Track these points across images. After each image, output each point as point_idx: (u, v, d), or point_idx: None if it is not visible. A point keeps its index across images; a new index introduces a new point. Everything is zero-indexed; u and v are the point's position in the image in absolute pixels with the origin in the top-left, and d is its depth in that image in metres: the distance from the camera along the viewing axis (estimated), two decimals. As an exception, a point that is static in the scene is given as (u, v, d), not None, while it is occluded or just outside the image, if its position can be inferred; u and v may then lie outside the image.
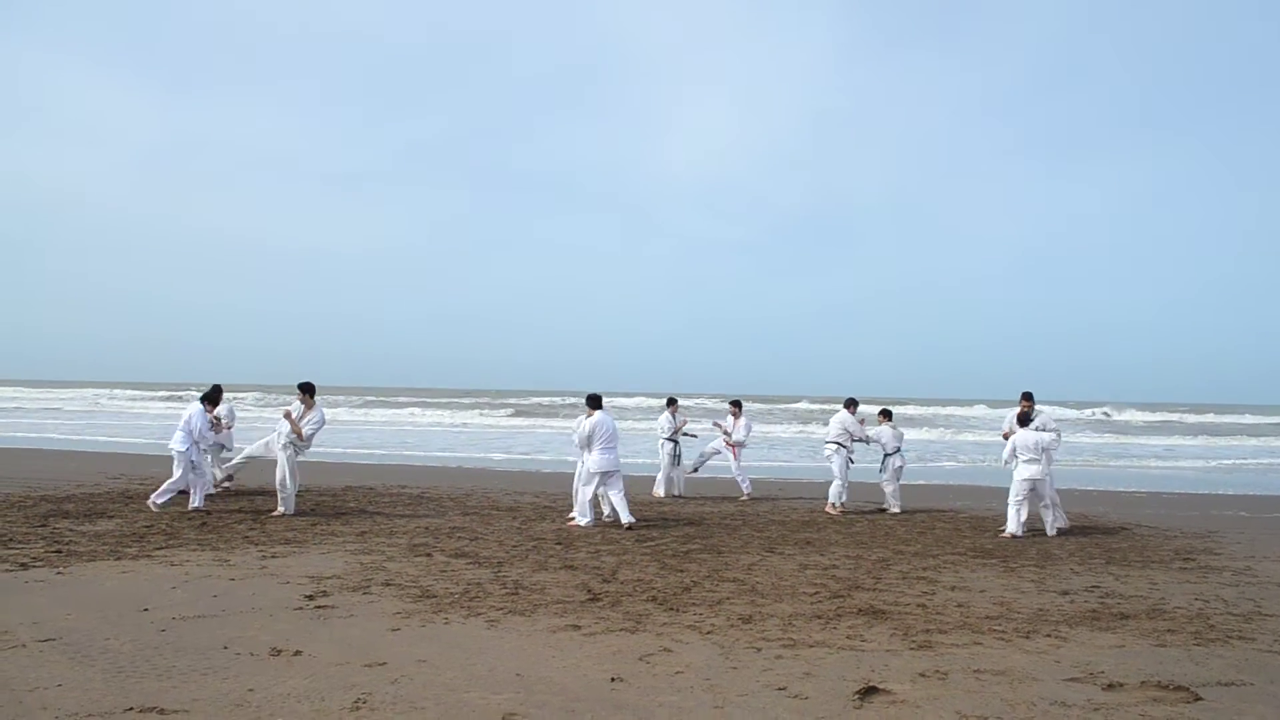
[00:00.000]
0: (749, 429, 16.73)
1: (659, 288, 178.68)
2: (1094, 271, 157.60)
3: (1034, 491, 11.96)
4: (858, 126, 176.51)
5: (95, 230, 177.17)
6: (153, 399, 63.77)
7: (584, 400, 12.69)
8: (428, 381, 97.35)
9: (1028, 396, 12.72)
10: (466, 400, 66.20)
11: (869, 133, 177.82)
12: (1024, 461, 11.99)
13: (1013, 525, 11.90)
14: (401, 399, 66.16)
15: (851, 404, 14.87)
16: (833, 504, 14.11)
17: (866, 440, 14.72)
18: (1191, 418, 56.61)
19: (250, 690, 4.89)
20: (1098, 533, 12.55)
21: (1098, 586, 8.56)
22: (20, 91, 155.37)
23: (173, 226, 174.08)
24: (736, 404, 16.94)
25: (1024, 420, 12.33)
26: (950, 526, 12.77)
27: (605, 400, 12.81)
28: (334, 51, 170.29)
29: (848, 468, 14.39)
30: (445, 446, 28.80)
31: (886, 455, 14.54)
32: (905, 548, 10.68)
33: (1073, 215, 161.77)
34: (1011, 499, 12.05)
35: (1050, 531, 12.03)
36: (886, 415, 15.06)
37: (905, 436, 15.22)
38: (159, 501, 12.28)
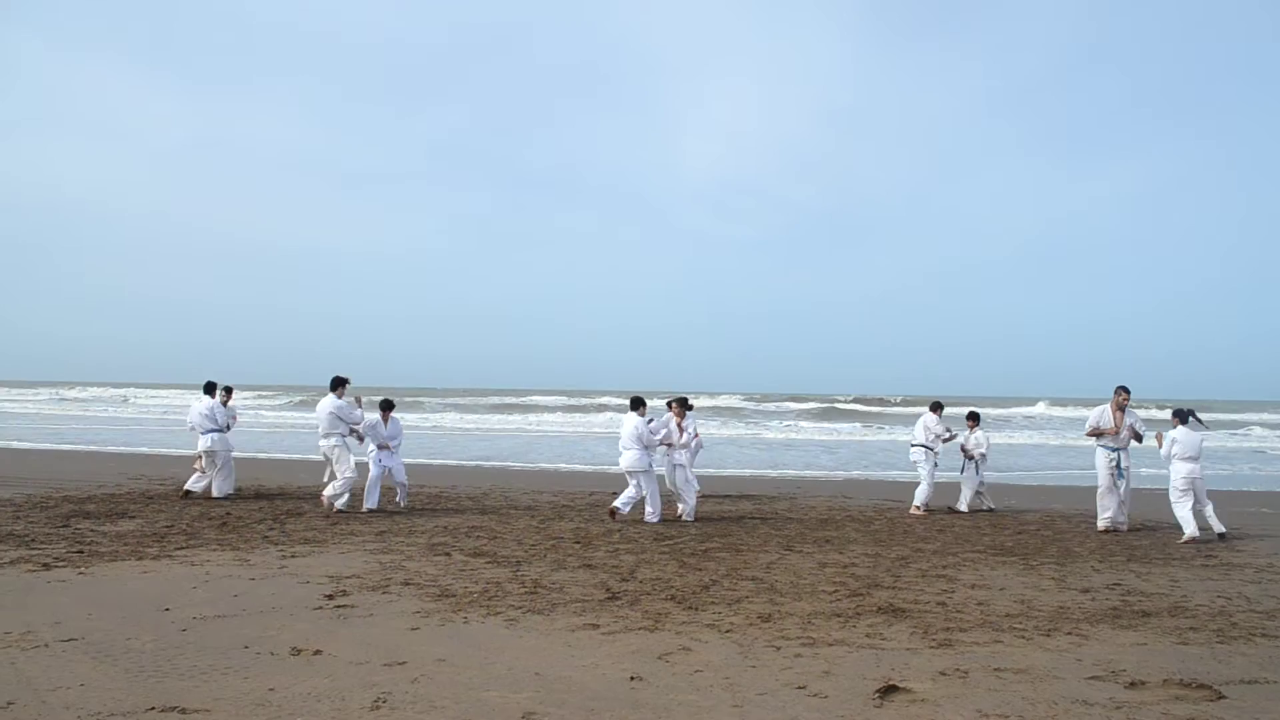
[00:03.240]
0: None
1: (673, 286, 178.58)
2: (1112, 265, 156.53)
3: (1191, 490, 11.67)
4: (871, 123, 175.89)
5: (109, 230, 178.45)
6: (170, 398, 64.23)
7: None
8: (444, 382, 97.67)
9: (1125, 390, 12.60)
10: (482, 401, 66.38)
11: (883, 130, 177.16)
12: (1183, 459, 11.75)
13: (1190, 527, 11.48)
14: (420, 399, 66.39)
15: (937, 407, 14.87)
16: (918, 506, 14.04)
17: (949, 439, 14.74)
18: (1212, 414, 56.12)
19: (271, 690, 4.92)
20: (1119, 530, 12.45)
21: (1119, 584, 8.50)
22: (36, 90, 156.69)
23: (186, 226, 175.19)
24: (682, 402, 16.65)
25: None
26: (970, 524, 12.71)
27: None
28: (346, 51, 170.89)
29: (935, 470, 14.42)
30: (462, 446, 28.90)
31: (972, 458, 14.57)
32: (924, 545, 10.64)
33: (1088, 209, 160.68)
34: (1175, 500, 11.79)
35: (1218, 528, 11.63)
36: (975, 419, 15.13)
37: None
38: (339, 504, 12.72)
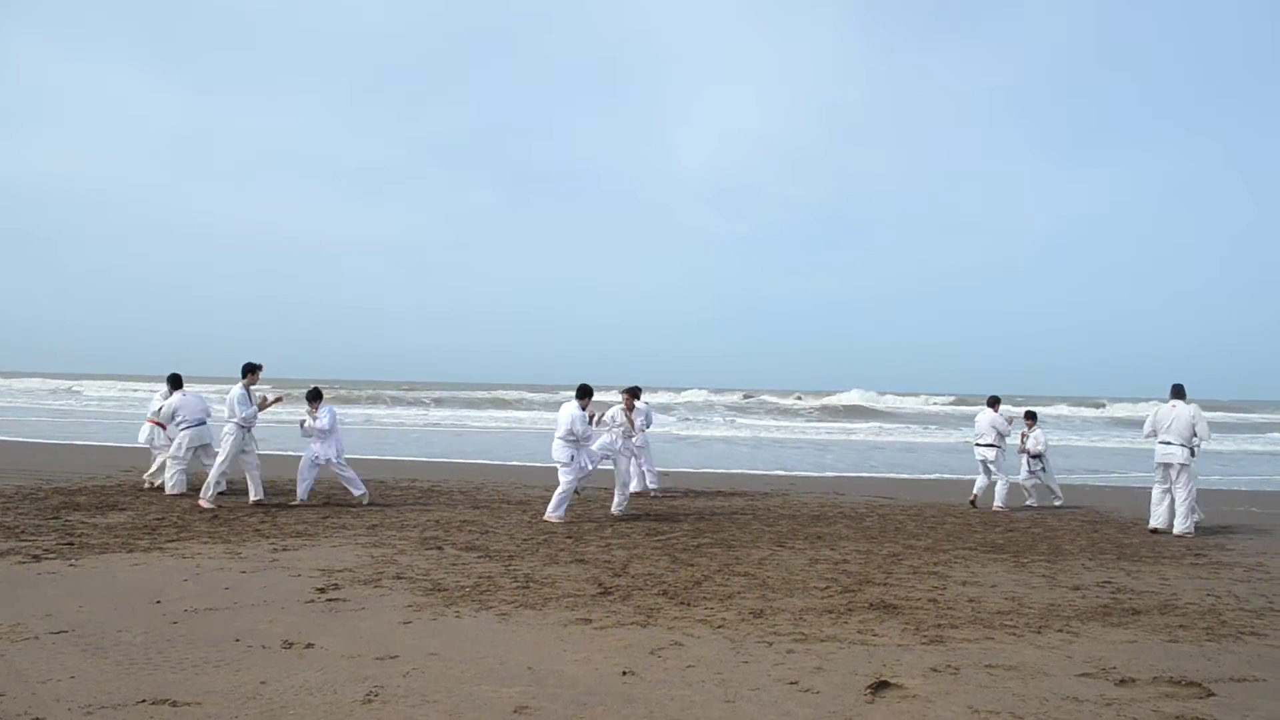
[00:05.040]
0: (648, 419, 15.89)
1: (673, 283, 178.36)
2: (1109, 266, 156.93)
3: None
4: (871, 122, 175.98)
5: (112, 223, 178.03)
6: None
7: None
8: (444, 376, 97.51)
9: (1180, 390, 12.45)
10: (479, 396, 66.24)
11: (883, 129, 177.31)
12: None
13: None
14: (418, 393, 66.19)
15: (995, 402, 15.06)
16: (1000, 505, 14.20)
17: (1007, 438, 14.93)
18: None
19: (262, 682, 4.91)
20: (1109, 528, 12.51)
21: (1109, 582, 8.53)
22: (36, 84, 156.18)
23: (189, 220, 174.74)
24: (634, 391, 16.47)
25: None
26: (961, 521, 12.74)
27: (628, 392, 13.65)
28: (351, 47, 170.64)
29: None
30: (456, 441, 28.86)
31: (1034, 456, 14.80)
32: (916, 542, 10.66)
33: (1086, 211, 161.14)
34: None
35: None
36: (1032, 418, 15.31)
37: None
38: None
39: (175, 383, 13.96)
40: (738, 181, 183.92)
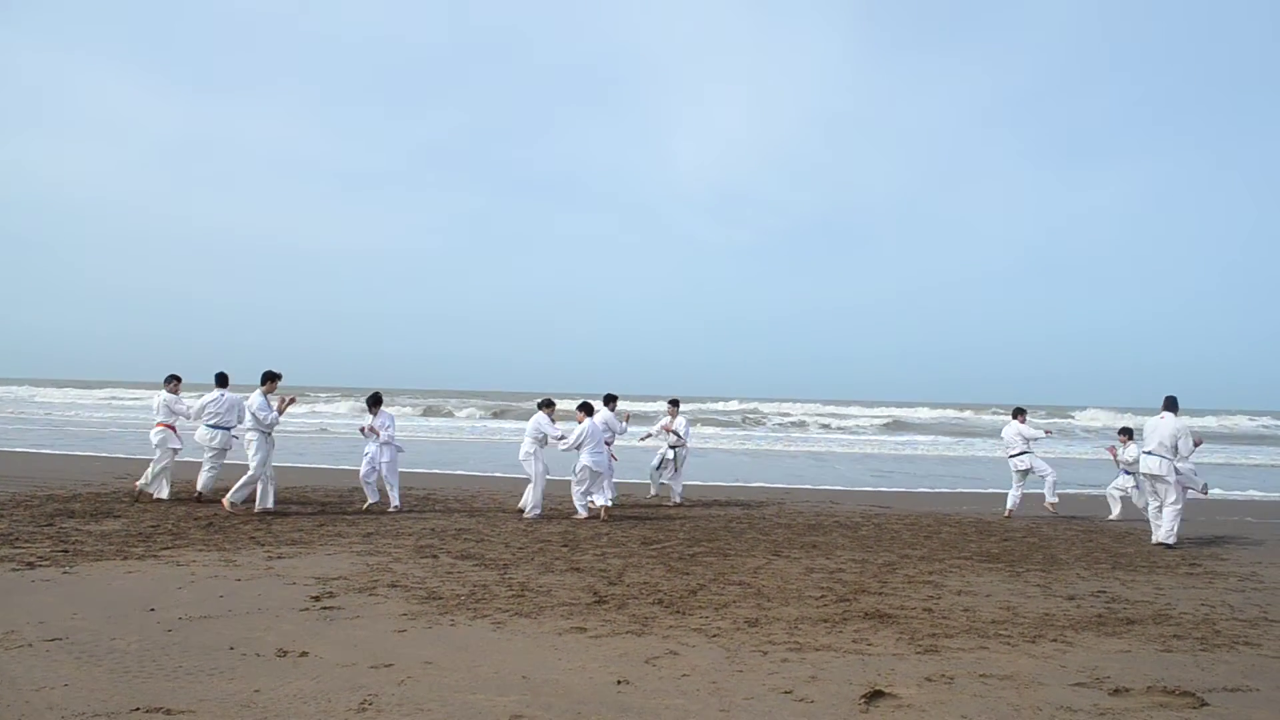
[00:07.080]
0: (687, 428, 16.24)
1: (669, 290, 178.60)
2: (1101, 274, 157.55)
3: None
4: (867, 130, 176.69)
5: (110, 229, 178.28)
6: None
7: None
8: (440, 384, 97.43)
9: (1173, 406, 12.45)
10: (475, 404, 66.19)
11: (879, 136, 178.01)
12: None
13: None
14: (414, 401, 66.14)
15: (1020, 413, 15.39)
16: (1012, 507, 14.87)
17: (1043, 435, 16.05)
18: (1195, 422, 56.32)
19: (256, 691, 4.90)
20: (1104, 538, 12.52)
21: (1104, 591, 8.54)
22: (35, 90, 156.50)
23: (186, 225, 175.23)
24: (674, 403, 16.56)
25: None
26: (956, 531, 12.75)
27: (623, 400, 14.46)
28: (347, 53, 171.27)
29: (1027, 475, 15.01)
30: (453, 450, 28.82)
31: (1127, 471, 14.88)
32: (911, 551, 10.67)
33: (1081, 217, 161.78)
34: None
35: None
36: (1128, 434, 15.37)
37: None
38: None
39: (222, 381, 13.84)
40: (736, 189, 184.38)
